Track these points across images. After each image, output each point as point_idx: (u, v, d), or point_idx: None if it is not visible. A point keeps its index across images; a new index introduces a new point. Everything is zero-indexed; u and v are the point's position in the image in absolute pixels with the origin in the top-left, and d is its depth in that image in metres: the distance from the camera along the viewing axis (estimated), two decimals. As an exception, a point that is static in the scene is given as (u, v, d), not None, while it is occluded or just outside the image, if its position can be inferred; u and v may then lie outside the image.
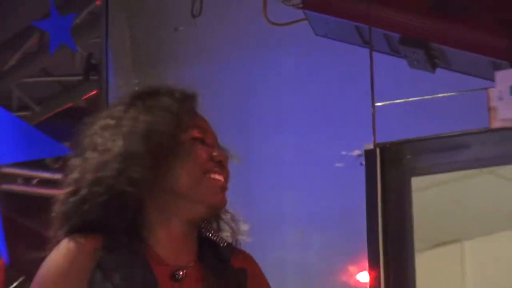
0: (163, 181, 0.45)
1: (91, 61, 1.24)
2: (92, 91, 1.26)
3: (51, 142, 1.06)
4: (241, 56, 1.16)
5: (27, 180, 1.30)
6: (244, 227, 0.48)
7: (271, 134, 1.27)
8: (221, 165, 0.47)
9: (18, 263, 1.06)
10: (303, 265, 1.19)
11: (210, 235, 0.48)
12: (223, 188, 0.47)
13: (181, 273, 0.44)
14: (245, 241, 0.48)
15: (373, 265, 1.04)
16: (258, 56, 1.13)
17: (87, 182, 0.45)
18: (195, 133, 0.47)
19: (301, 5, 1.06)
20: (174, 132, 0.45)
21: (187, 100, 0.48)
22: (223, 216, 0.48)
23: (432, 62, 1.04)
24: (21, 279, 1.16)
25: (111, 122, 0.47)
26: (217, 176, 0.46)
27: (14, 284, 1.19)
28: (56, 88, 1.35)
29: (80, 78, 1.33)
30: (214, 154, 0.47)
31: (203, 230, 0.48)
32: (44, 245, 0.46)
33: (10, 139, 1.04)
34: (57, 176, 1.18)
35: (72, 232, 0.46)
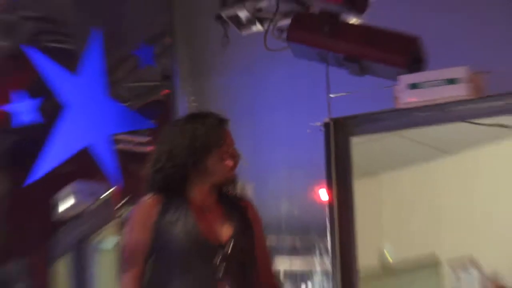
0: (202, 165, 0.77)
1: (165, 73, 2.11)
2: (166, 91, 2.13)
3: (144, 120, 1.90)
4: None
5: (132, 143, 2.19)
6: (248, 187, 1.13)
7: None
8: (234, 157, 0.80)
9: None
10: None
11: (226, 191, 0.82)
12: (233, 169, 0.80)
13: (207, 205, 0.78)
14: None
15: (329, 187, 1.82)
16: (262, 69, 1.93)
17: (163, 161, 0.77)
18: (224, 145, 0.79)
19: (285, 38, 1.84)
20: (212, 140, 0.78)
21: (222, 122, 0.81)
22: (235, 183, 0.83)
23: (363, 70, 1.80)
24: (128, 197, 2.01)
25: (178, 129, 0.81)
26: (230, 163, 0.79)
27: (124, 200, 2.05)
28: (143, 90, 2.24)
29: (158, 83, 2.20)
30: (232, 151, 0.80)
31: (224, 190, 0.82)
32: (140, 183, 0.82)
33: (122, 119, 1.88)
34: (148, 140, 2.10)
35: (149, 191, 0.79)
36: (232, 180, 0.83)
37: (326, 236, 1.74)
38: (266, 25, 1.87)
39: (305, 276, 2.85)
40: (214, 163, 0.78)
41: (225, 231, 0.78)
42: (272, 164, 2.10)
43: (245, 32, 1.90)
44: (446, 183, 2.11)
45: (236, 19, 1.86)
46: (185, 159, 0.76)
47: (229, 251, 0.75)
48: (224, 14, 1.87)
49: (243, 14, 1.84)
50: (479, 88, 1.70)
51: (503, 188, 1.94)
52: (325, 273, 2.53)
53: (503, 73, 1.66)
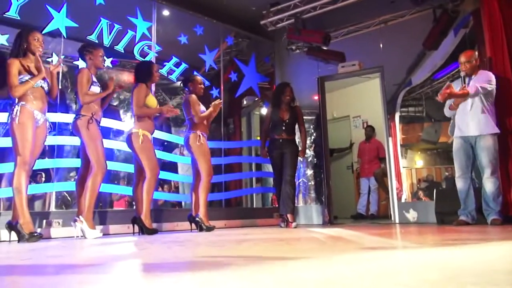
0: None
1: (272, 68, 6.70)
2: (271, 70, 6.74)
3: (265, 78, 6.47)
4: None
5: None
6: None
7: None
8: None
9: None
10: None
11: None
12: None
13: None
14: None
15: (322, 120, 6.37)
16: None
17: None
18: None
19: (305, 51, 6.33)
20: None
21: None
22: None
23: (325, 60, 6.29)
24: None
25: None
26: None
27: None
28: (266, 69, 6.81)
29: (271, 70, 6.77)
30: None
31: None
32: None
33: (260, 77, 6.43)
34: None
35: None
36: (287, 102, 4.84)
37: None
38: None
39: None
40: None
41: (286, 116, 4.73)
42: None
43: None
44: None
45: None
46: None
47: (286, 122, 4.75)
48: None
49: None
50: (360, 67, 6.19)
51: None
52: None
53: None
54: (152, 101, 3.82)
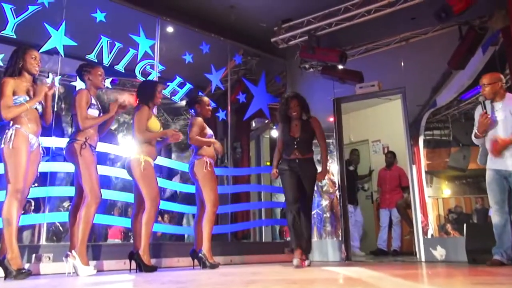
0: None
1: (284, 86, 6.79)
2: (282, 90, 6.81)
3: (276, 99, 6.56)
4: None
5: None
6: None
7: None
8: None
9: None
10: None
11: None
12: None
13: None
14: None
15: (338, 144, 6.40)
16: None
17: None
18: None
19: (319, 71, 6.40)
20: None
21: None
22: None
23: (341, 80, 6.35)
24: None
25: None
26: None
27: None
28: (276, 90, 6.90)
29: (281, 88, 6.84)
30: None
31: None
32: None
33: (270, 98, 6.51)
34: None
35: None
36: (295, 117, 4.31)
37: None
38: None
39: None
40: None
41: (297, 133, 4.20)
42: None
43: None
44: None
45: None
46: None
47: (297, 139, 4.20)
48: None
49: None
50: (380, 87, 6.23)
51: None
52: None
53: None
54: (155, 124, 3.85)
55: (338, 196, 6.02)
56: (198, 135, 4.11)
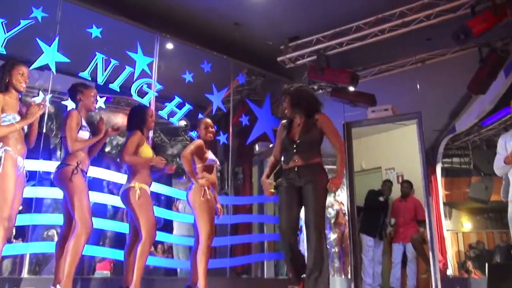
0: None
1: None
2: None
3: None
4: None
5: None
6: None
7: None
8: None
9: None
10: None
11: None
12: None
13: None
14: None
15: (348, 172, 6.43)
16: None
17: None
18: None
19: (328, 92, 6.48)
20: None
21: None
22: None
23: (352, 103, 6.41)
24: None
25: None
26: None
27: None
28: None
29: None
30: None
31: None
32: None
33: (274, 121, 6.58)
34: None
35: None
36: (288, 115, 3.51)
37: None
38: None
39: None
40: None
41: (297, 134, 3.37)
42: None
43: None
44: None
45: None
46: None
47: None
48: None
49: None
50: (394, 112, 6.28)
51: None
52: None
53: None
54: (147, 151, 3.87)
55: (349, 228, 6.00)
56: (198, 159, 4.13)
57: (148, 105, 4.80)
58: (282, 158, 3.55)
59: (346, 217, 6.03)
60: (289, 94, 3.52)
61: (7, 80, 3.30)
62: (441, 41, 5.63)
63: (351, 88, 6.12)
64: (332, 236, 5.93)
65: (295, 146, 3.40)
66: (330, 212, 5.86)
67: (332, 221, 5.96)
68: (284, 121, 3.58)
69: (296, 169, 3.36)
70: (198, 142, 4.18)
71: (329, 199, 5.98)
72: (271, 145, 6.83)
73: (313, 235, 3.21)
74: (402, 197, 6.96)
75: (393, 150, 7.80)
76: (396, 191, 7.31)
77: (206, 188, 4.06)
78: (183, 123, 7.57)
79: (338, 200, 7.08)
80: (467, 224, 10.37)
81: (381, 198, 6.81)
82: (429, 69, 6.10)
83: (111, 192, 5.17)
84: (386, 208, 6.98)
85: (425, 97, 6.11)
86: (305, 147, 3.39)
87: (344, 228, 5.89)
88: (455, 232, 10.08)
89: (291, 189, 3.35)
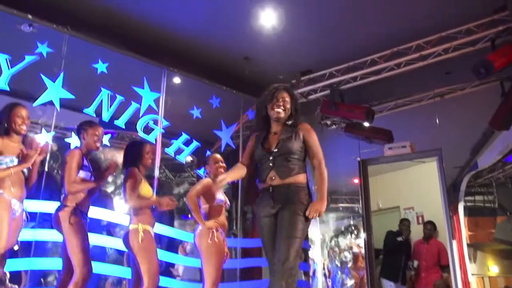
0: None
1: None
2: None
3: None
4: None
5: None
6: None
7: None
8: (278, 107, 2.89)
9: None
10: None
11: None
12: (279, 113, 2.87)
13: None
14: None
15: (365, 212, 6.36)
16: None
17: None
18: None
19: (342, 129, 6.46)
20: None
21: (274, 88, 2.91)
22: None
23: (368, 139, 6.37)
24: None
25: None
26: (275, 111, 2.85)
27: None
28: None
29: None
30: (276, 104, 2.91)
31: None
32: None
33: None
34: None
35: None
36: (278, 118, 2.82)
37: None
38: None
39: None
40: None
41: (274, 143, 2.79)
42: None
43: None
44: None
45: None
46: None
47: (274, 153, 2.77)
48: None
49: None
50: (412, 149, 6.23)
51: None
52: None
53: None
54: (146, 189, 3.84)
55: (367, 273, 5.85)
56: (206, 199, 4.08)
57: (145, 141, 4.79)
58: (258, 176, 2.94)
59: (365, 261, 5.88)
60: (287, 90, 2.99)
61: (6, 124, 3.37)
62: (461, 74, 5.64)
63: (366, 124, 6.09)
64: (349, 282, 5.78)
65: (271, 158, 2.85)
66: (347, 256, 5.72)
67: (350, 265, 5.81)
68: (257, 133, 3.02)
69: (271, 190, 2.82)
70: (206, 181, 4.14)
71: (346, 242, 5.87)
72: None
73: (279, 275, 2.58)
74: (424, 239, 6.80)
75: (411, 188, 7.68)
76: (416, 232, 7.16)
77: (215, 231, 4.00)
78: (189, 158, 7.55)
79: (356, 242, 6.95)
80: (493, 267, 10.07)
81: (400, 238, 6.66)
82: (448, 104, 6.09)
83: (110, 233, 5.11)
84: (407, 249, 6.81)
85: (444, 133, 6.07)
86: (284, 160, 2.83)
87: (363, 272, 5.73)
88: (481, 276, 9.79)
89: (268, 220, 2.82)
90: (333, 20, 5.24)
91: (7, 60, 4.39)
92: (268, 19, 5.19)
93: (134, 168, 3.84)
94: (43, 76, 4.58)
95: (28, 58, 4.49)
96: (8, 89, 4.33)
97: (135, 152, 3.95)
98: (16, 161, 3.31)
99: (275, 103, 2.88)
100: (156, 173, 5.20)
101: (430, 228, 6.72)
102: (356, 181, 6.27)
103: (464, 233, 8.84)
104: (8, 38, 4.79)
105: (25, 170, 3.39)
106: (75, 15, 4.98)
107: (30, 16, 4.69)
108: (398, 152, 6.01)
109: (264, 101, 2.94)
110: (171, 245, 5.83)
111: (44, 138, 4.60)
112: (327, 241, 7.95)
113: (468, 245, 9.07)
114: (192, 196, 3.99)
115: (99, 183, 3.71)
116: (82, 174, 3.56)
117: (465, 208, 9.00)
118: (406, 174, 7.66)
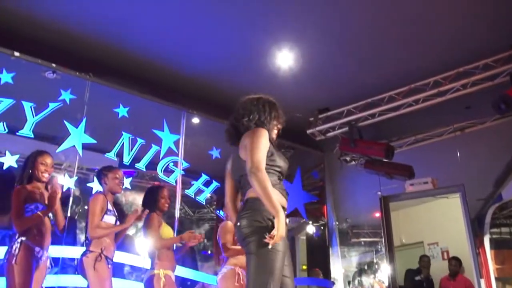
0: None
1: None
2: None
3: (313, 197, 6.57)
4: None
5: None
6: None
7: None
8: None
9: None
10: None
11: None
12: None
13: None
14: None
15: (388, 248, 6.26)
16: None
17: None
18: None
19: (362, 165, 6.42)
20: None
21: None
22: None
23: (388, 175, 6.30)
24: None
25: None
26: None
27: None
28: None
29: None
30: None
31: None
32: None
33: (307, 197, 6.51)
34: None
35: None
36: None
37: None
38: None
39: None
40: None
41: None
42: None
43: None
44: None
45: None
46: None
47: None
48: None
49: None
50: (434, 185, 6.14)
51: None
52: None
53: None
54: (167, 231, 3.88)
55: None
56: (231, 242, 4.05)
57: (163, 186, 4.83)
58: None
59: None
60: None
61: (30, 171, 3.44)
62: (480, 108, 5.59)
63: (386, 160, 6.04)
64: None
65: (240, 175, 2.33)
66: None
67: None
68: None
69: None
70: (229, 226, 4.10)
71: (369, 281, 5.75)
72: (302, 221, 6.73)
73: None
74: (450, 276, 6.62)
75: (435, 223, 7.55)
76: (442, 268, 6.98)
77: (240, 272, 3.93)
78: (208, 195, 7.56)
79: (379, 280, 6.80)
80: (525, 303, 9.72)
81: (418, 277, 6.49)
82: (470, 137, 6.02)
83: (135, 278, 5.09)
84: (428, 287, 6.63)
85: (466, 167, 6.00)
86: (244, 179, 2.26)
87: (387, 314, 5.58)
88: (512, 314, 9.44)
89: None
90: (349, 58, 5.28)
91: (32, 108, 4.51)
92: (284, 59, 5.26)
93: (153, 214, 3.88)
94: (66, 123, 4.69)
95: (52, 105, 4.62)
96: (32, 136, 4.43)
97: (151, 197, 4.01)
98: (40, 207, 3.36)
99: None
100: (177, 214, 5.21)
101: (455, 264, 6.54)
102: (378, 214, 6.18)
103: (491, 266, 8.59)
104: (33, 86, 4.94)
105: (51, 217, 3.44)
106: (96, 61, 5.11)
107: (54, 65, 4.83)
108: (420, 188, 5.94)
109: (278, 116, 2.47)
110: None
111: (66, 183, 4.67)
112: (350, 279, 7.79)
113: (496, 278, 8.80)
114: (226, 246, 3.86)
115: (124, 228, 3.73)
116: (107, 218, 3.59)
117: (491, 240, 8.77)
118: (428, 208, 7.53)
